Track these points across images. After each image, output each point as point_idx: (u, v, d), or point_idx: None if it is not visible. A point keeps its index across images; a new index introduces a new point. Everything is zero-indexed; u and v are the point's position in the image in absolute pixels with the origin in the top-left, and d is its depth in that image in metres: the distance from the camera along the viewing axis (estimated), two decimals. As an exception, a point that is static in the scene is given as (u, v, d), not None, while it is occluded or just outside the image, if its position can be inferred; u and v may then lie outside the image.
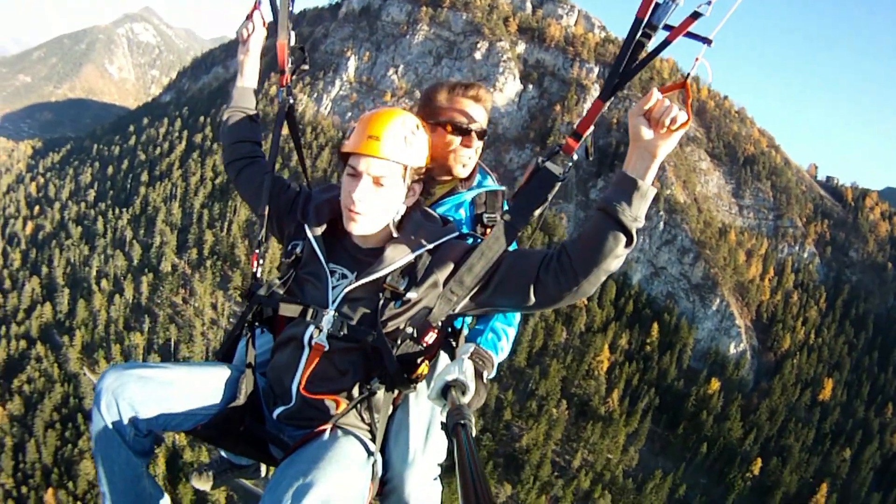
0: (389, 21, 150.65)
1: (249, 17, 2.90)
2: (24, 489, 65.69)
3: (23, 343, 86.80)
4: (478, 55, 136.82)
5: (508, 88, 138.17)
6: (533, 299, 2.03)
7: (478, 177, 2.97)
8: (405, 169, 2.18)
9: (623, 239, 1.82)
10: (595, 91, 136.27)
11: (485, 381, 2.37)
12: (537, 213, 2.12)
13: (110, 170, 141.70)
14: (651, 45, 1.89)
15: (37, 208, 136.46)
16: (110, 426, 2.12)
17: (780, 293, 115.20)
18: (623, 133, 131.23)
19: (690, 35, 1.84)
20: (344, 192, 2.19)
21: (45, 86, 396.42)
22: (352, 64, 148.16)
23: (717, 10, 1.70)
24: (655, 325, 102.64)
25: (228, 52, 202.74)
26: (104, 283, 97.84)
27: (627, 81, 1.92)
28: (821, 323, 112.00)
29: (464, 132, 2.70)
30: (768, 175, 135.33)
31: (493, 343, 2.57)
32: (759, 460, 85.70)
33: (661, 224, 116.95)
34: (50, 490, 64.46)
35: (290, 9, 2.79)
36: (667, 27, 1.85)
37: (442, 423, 2.12)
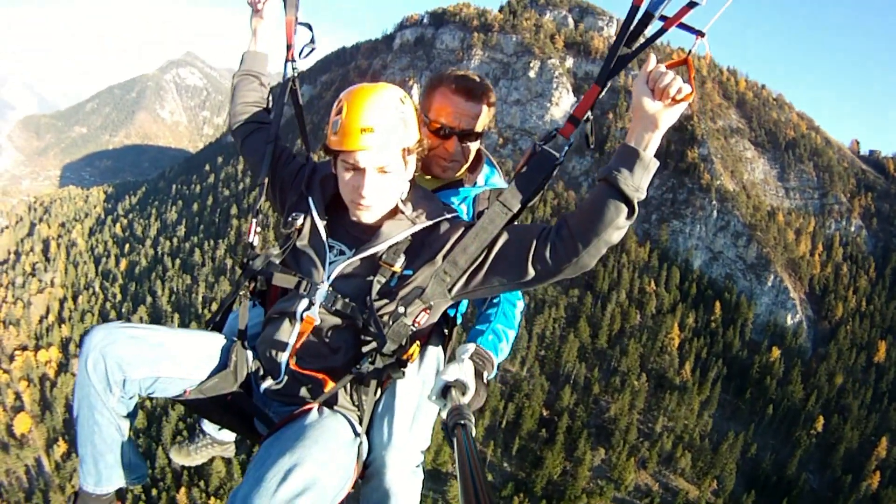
0: (444, 49, 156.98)
1: None
2: (153, 491, 70.40)
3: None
4: (531, 74, 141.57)
5: (563, 102, 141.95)
6: (531, 273, 2.01)
7: (485, 170, 2.94)
8: (404, 150, 2.13)
9: (624, 209, 1.83)
10: None
11: (485, 381, 2.42)
12: (535, 197, 2.13)
13: (195, 207, 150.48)
14: (649, 31, 1.99)
15: (126, 246, 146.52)
16: (95, 385, 2.04)
17: (831, 266, 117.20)
18: (673, 132, 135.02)
19: (684, 26, 1.95)
20: (347, 187, 2.13)
21: (102, 135, 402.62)
22: (415, 92, 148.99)
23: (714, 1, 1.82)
24: (718, 304, 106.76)
25: (285, 88, 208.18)
26: (213, 305, 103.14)
27: (623, 67, 2.02)
28: (871, 291, 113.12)
29: (444, 135, 2.60)
30: (810, 156, 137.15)
31: (494, 344, 2.58)
32: (822, 419, 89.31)
33: (715, 212, 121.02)
34: (182, 489, 70.28)
35: None
36: (662, 17, 1.94)
37: (442, 422, 2.02)
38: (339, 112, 2.04)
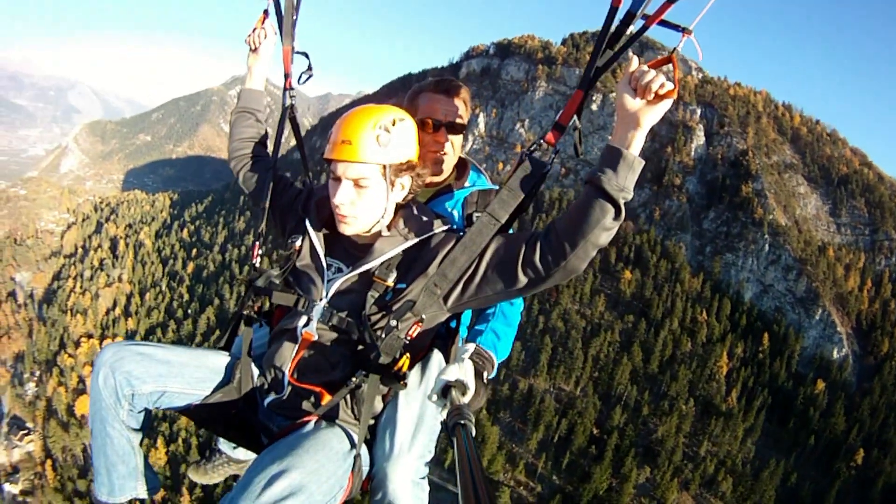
0: (509, 80, 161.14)
1: (259, 26, 3.03)
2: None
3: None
4: (594, 107, 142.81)
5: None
6: (522, 280, 2.01)
7: (471, 175, 3.02)
8: (384, 168, 2.15)
9: (610, 209, 1.80)
10: (700, 131, 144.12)
11: (485, 381, 2.45)
12: (525, 205, 2.12)
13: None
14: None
15: (194, 251, 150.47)
16: (106, 399, 2.15)
17: (879, 302, 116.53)
18: (729, 167, 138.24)
19: (666, 24, 1.91)
20: (330, 196, 2.20)
21: (166, 144, 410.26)
22: (481, 120, 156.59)
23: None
24: (766, 335, 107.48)
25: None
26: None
27: (606, 70, 1.97)
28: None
29: (433, 127, 2.72)
30: (862, 192, 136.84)
31: (493, 344, 2.62)
32: (862, 452, 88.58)
33: (767, 246, 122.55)
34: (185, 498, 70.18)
35: (295, 17, 2.94)
36: (645, 17, 1.90)
37: (442, 422, 2.02)
38: (336, 126, 2.16)
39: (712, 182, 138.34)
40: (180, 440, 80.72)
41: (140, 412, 2.25)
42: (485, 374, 2.44)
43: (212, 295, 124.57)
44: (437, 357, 2.43)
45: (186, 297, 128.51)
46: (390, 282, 2.17)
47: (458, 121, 2.79)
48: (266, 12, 3.00)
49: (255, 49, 3.02)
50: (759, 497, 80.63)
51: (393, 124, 2.13)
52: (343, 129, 2.10)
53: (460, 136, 2.86)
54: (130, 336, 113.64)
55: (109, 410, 2.16)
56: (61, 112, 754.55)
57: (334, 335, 2.23)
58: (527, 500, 78.86)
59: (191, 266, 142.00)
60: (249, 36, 3.02)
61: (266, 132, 3.05)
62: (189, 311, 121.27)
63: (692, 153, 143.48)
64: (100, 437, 2.22)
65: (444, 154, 2.80)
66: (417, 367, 2.38)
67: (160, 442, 78.87)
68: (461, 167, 3.05)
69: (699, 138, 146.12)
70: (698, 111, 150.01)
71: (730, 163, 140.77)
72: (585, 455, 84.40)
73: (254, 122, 3.00)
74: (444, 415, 1.94)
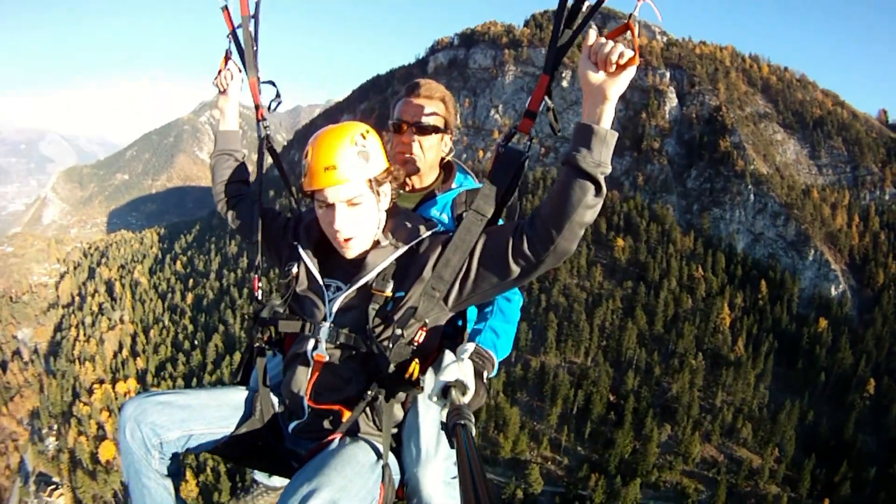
0: (477, 68, 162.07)
1: (223, 67, 3.03)
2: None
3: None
4: (564, 83, 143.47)
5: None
6: (515, 270, 2.01)
7: (457, 178, 2.97)
8: (370, 181, 2.17)
9: (590, 187, 1.78)
10: (672, 93, 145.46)
11: (485, 380, 2.44)
12: (510, 197, 2.15)
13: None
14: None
15: (190, 281, 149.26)
16: (136, 452, 2.18)
17: (869, 235, 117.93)
18: (705, 124, 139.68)
19: None
20: (325, 225, 2.22)
21: (144, 180, 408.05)
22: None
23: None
24: (763, 283, 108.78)
25: (329, 117, 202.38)
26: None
27: (567, 51, 1.91)
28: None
29: (398, 128, 2.75)
30: (838, 131, 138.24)
31: (493, 342, 2.60)
32: (873, 382, 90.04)
33: (751, 196, 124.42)
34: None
35: (255, 49, 2.95)
36: None
37: (442, 423, 2.03)
38: (306, 156, 2.14)
39: (690, 141, 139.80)
40: (209, 469, 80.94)
41: (171, 459, 2.31)
42: (485, 374, 2.45)
43: (215, 322, 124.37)
44: (448, 358, 2.38)
45: (191, 328, 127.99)
46: (388, 292, 2.21)
47: (426, 120, 2.77)
48: (228, 52, 3.04)
49: (224, 91, 3.07)
50: (779, 438, 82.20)
51: (364, 137, 2.17)
52: (320, 157, 2.10)
53: (433, 137, 2.81)
54: (142, 375, 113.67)
55: (142, 462, 2.22)
56: (35, 164, 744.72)
57: (344, 353, 2.28)
58: (556, 474, 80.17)
59: (190, 297, 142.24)
60: (216, 79, 3.07)
61: (246, 168, 3.08)
62: (196, 341, 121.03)
63: (667, 116, 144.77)
64: (137, 490, 2.28)
65: (412, 155, 2.80)
66: (431, 371, 2.39)
67: (189, 474, 78.63)
68: (447, 171, 3.05)
69: (672, 101, 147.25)
70: (667, 74, 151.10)
71: (705, 120, 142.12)
72: (606, 422, 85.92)
73: (232, 162, 3.04)
74: (444, 415, 1.95)
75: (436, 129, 2.77)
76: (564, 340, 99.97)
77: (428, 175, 2.91)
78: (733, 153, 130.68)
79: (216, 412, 2.32)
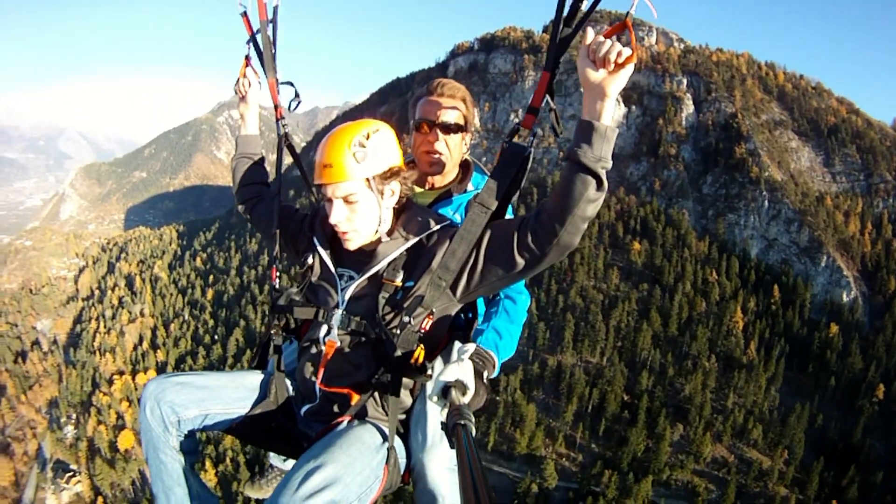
0: (497, 72, 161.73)
1: (243, 73, 3.13)
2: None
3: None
4: (582, 89, 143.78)
5: (616, 113, 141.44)
6: (520, 262, 2.06)
7: (475, 177, 3.04)
8: (367, 181, 2.22)
9: (591, 181, 1.82)
10: (688, 100, 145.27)
11: (485, 380, 2.40)
12: (514, 192, 2.18)
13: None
14: (586, 6, 1.93)
15: (210, 277, 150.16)
16: (155, 429, 2.29)
17: (881, 243, 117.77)
18: (721, 131, 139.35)
19: None
20: (327, 217, 2.29)
21: (162, 178, 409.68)
22: (476, 115, 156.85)
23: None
24: (776, 288, 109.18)
25: (347, 120, 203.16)
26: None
27: (566, 48, 1.97)
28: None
29: (424, 127, 2.81)
30: (852, 139, 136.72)
31: (494, 343, 2.59)
32: (882, 387, 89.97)
33: (766, 202, 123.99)
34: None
35: (273, 51, 3.05)
36: None
37: (442, 423, 1.99)
38: (317, 151, 2.23)
39: (706, 148, 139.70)
40: (228, 460, 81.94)
41: (188, 437, 2.42)
42: (485, 374, 2.42)
43: (236, 318, 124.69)
44: (457, 347, 2.39)
45: (211, 322, 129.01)
46: (398, 281, 2.29)
47: (450, 119, 2.83)
48: (248, 57, 3.12)
49: (244, 97, 3.17)
50: (789, 441, 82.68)
51: (367, 138, 2.22)
52: (324, 154, 2.21)
53: (457, 136, 2.89)
54: (161, 367, 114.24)
55: (160, 439, 2.33)
56: (53, 160, 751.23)
57: (355, 339, 2.35)
58: (570, 470, 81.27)
59: (210, 292, 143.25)
60: (236, 85, 3.17)
61: (265, 171, 3.17)
62: (216, 336, 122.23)
63: (683, 122, 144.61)
64: (155, 465, 2.37)
65: (439, 154, 2.86)
66: (440, 359, 2.48)
67: (208, 464, 79.90)
68: (465, 169, 3.11)
69: (688, 107, 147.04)
70: (684, 81, 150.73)
71: (721, 127, 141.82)
72: (620, 421, 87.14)
73: (252, 165, 3.11)
74: (444, 415, 1.99)
75: (459, 128, 2.89)
76: (581, 340, 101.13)
77: (450, 173, 3.03)
78: (748, 160, 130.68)
79: (233, 393, 2.46)
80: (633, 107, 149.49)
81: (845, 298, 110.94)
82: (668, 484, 78.28)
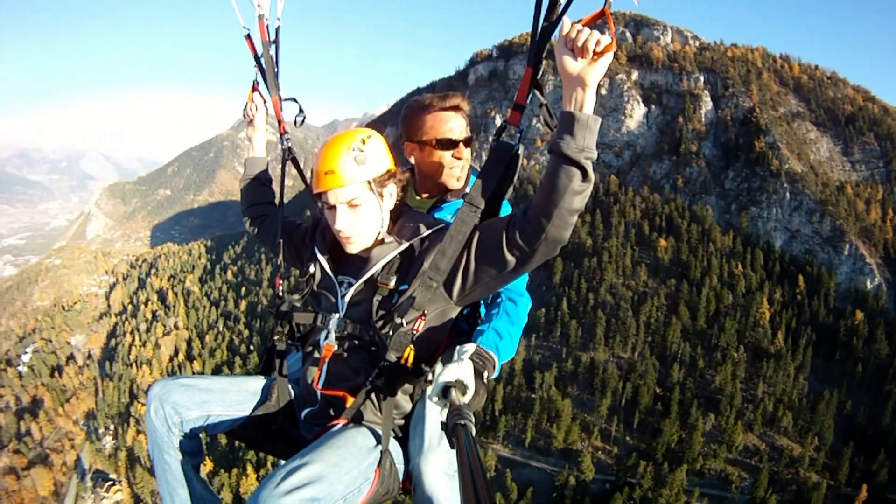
0: (517, 78, 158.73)
1: (251, 98, 3.23)
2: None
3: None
4: (603, 91, 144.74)
5: (636, 113, 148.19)
6: (511, 260, 2.02)
7: (472, 181, 2.94)
8: (368, 183, 2.25)
9: (576, 173, 1.77)
10: (706, 97, 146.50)
11: (485, 380, 2.39)
12: (505, 189, 2.15)
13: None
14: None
15: (243, 289, 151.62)
16: (159, 429, 2.32)
17: None
18: (740, 126, 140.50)
19: None
20: (330, 224, 2.32)
21: (186, 195, 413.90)
22: (498, 121, 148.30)
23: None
24: (801, 278, 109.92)
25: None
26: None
27: (547, 42, 1.89)
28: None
29: (451, 145, 2.79)
30: (870, 127, 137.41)
31: (495, 343, 2.56)
32: None
33: (787, 194, 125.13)
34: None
35: (276, 70, 3.13)
36: None
37: (442, 423, 2.01)
38: (315, 161, 2.24)
39: (726, 143, 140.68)
40: (269, 464, 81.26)
41: (192, 439, 2.46)
42: (485, 374, 2.41)
43: (270, 327, 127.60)
44: (457, 348, 2.46)
45: (246, 332, 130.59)
46: (392, 284, 2.28)
47: (467, 133, 2.90)
48: (255, 83, 3.27)
49: (251, 121, 3.31)
50: (818, 427, 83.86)
51: (364, 143, 2.26)
52: (323, 162, 2.23)
53: (469, 150, 2.94)
54: None
55: (164, 439, 2.36)
56: (76, 181, 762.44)
57: (352, 343, 2.36)
58: (606, 463, 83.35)
59: (243, 304, 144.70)
60: (244, 109, 3.32)
61: (272, 191, 3.28)
62: (251, 345, 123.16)
63: (703, 119, 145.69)
64: (159, 466, 2.41)
65: (463, 170, 2.96)
66: (440, 364, 2.42)
67: (249, 469, 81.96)
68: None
69: (707, 104, 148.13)
70: (701, 78, 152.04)
71: (739, 122, 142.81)
72: (653, 413, 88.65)
73: (259, 185, 3.23)
74: (444, 415, 2.02)
75: (471, 140, 2.92)
76: (612, 336, 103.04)
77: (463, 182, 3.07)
78: (768, 153, 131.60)
79: (235, 396, 2.51)
80: (653, 106, 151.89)
81: (869, 286, 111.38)
82: (702, 473, 79.25)
